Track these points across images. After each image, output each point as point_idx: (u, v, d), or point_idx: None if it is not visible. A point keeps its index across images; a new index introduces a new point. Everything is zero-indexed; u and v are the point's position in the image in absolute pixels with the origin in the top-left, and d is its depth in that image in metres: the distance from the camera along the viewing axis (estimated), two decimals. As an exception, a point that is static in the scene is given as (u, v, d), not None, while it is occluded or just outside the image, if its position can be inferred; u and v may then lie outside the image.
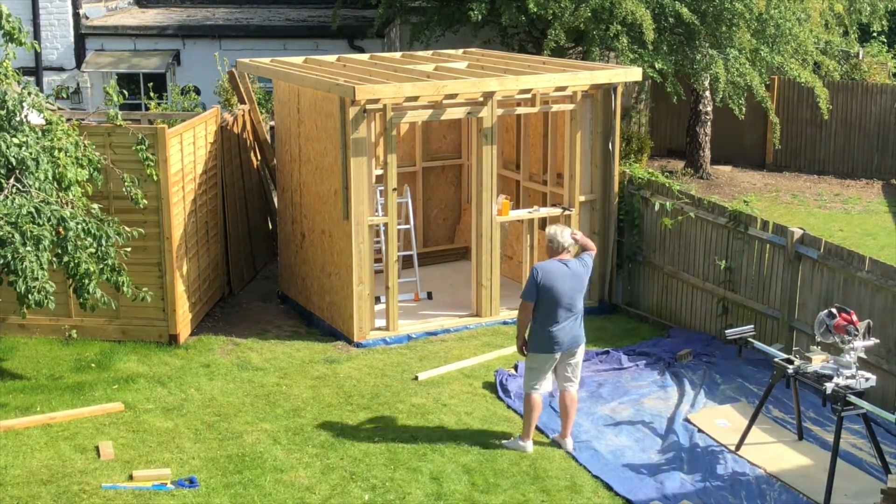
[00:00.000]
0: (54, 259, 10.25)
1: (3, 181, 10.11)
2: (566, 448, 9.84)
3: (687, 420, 10.42)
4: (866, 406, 8.83)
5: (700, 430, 10.20)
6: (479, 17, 16.82)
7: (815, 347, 9.65)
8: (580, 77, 12.87)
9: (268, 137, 15.55)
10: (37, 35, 21.24)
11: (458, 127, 15.09)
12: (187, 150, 12.42)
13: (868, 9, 20.40)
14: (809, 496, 9.01)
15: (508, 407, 10.66)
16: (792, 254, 11.43)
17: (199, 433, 10.04)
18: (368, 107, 11.89)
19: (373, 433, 10.05)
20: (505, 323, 12.97)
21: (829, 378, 8.96)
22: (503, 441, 9.95)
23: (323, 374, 11.49)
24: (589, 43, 16.36)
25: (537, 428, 10.07)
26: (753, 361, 11.65)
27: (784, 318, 11.61)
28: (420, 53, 15.42)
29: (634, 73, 13.27)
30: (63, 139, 10.81)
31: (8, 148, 10.09)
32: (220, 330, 12.86)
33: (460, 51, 15.79)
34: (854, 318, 9.09)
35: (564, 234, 9.63)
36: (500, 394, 10.96)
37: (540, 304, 9.55)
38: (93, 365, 11.57)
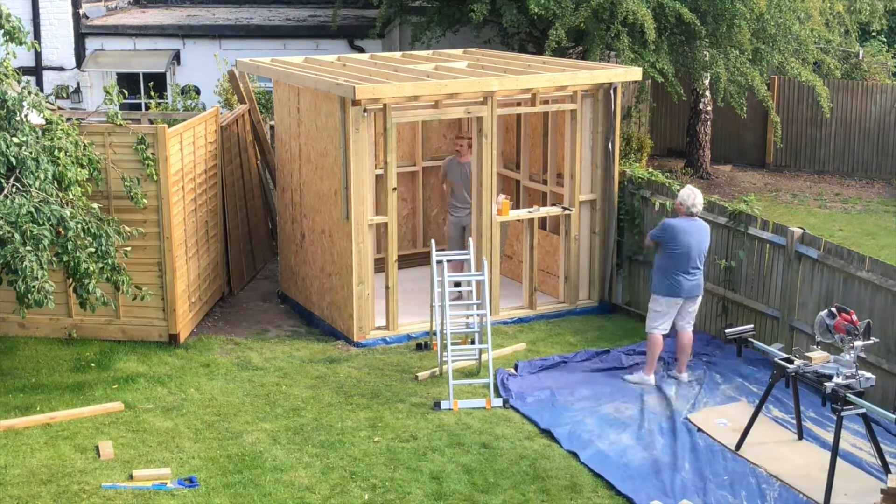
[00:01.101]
0: (54, 259, 10.26)
1: (3, 181, 10.11)
2: (682, 381, 11.21)
3: (687, 420, 10.42)
4: (866, 406, 8.83)
5: (700, 430, 10.20)
6: (480, 17, 16.82)
7: (815, 347, 9.65)
8: (580, 76, 12.87)
9: (268, 137, 15.56)
10: (37, 35, 21.22)
11: (458, 127, 15.09)
12: (187, 149, 12.42)
13: (868, 8, 20.40)
14: (809, 496, 9.01)
15: (509, 406, 10.65)
16: (792, 253, 11.43)
17: (199, 433, 10.04)
18: (368, 107, 11.89)
19: (373, 433, 10.05)
20: (505, 323, 12.97)
21: (829, 378, 8.96)
22: (625, 376, 11.24)
23: (323, 373, 11.49)
24: (589, 43, 16.35)
25: (539, 428, 10.13)
26: (753, 361, 11.66)
27: (784, 317, 11.61)
28: (420, 53, 15.42)
29: (634, 73, 13.27)
30: (63, 139, 10.83)
31: (8, 147, 10.10)
32: (220, 330, 12.86)
33: (460, 51, 15.79)
34: (854, 317, 9.09)
35: (694, 198, 11.07)
36: (501, 393, 10.95)
37: (668, 254, 11.02)
38: (93, 365, 11.57)
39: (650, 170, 13.79)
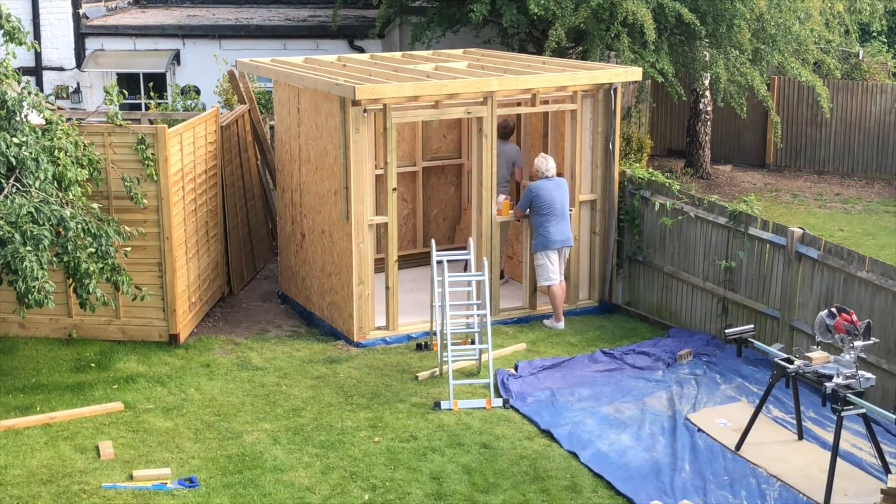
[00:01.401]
0: (54, 259, 10.26)
1: (3, 181, 10.11)
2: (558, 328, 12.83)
3: (687, 420, 10.42)
4: (866, 406, 8.83)
5: (700, 430, 10.20)
6: (480, 17, 16.82)
7: (815, 347, 9.65)
8: (580, 77, 12.87)
9: (268, 137, 15.56)
10: (37, 35, 21.22)
11: (458, 127, 15.09)
12: (187, 149, 12.42)
13: (868, 9, 20.40)
14: (809, 496, 9.01)
15: (509, 406, 10.65)
16: (792, 253, 11.43)
17: (199, 433, 10.05)
18: (368, 107, 11.89)
19: (373, 433, 10.05)
20: (505, 323, 12.97)
21: (829, 378, 8.96)
22: (544, 321, 12.82)
23: (323, 374, 11.49)
24: (589, 43, 16.35)
25: (539, 428, 10.16)
26: (753, 361, 11.66)
27: (784, 317, 11.61)
28: (420, 53, 15.42)
29: (634, 73, 13.27)
30: (63, 139, 10.83)
31: (8, 148, 10.10)
32: (220, 330, 12.86)
33: (460, 51, 15.79)
34: (854, 317, 9.09)
35: (547, 164, 12.55)
36: (502, 393, 10.95)
37: (536, 212, 12.48)
38: (93, 365, 11.57)
39: (650, 170, 13.79)
